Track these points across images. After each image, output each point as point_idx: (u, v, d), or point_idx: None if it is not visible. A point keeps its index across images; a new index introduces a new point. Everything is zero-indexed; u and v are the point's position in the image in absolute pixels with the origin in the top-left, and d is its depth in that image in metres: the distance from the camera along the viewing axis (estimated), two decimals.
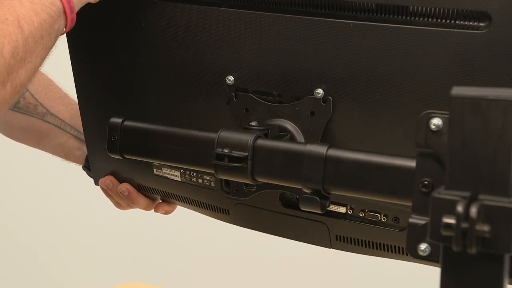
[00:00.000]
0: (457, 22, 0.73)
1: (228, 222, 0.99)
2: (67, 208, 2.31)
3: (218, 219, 1.01)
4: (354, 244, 0.90)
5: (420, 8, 0.74)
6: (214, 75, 0.88)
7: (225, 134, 0.78)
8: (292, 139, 0.83)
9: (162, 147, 0.84)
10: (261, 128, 0.81)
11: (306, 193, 0.75)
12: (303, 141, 0.83)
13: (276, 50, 0.83)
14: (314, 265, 2.11)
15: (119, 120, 0.87)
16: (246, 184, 0.86)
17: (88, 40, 0.99)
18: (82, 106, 1.04)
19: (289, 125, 0.84)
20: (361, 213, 0.87)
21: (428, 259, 0.63)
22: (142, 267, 2.29)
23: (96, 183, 1.12)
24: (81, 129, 1.10)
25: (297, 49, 0.82)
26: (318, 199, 0.74)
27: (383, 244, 0.87)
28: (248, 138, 0.77)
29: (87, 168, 1.18)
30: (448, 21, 0.73)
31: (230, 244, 2.16)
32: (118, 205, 1.14)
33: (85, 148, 1.12)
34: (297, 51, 0.82)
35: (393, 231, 0.85)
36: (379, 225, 0.86)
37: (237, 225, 0.99)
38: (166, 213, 1.14)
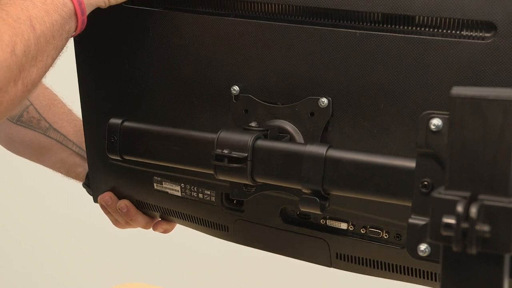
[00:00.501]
0: (462, 32, 0.73)
1: (227, 240, 0.98)
2: (67, 208, 2.31)
3: (217, 237, 1.00)
4: (355, 262, 0.88)
5: (426, 18, 0.75)
6: (219, 85, 0.88)
7: (224, 135, 0.78)
8: (292, 140, 0.83)
9: (162, 148, 0.84)
10: (260, 129, 0.81)
11: (306, 193, 0.75)
12: (302, 142, 0.83)
13: (282, 60, 0.84)
14: (314, 265, 2.11)
15: (119, 121, 0.87)
16: (245, 185, 0.85)
17: (95, 48, 0.98)
18: (85, 118, 1.04)
19: (288, 126, 0.84)
20: (363, 230, 0.85)
21: (428, 260, 0.63)
22: (142, 267, 2.29)
23: (95, 201, 1.11)
24: (83, 145, 1.09)
25: (303, 59, 0.82)
26: (317, 199, 0.74)
27: (385, 263, 0.85)
28: (247, 138, 0.77)
29: (87, 185, 1.16)
30: (454, 31, 0.74)
31: (230, 244, 2.16)
32: (116, 222, 1.13)
33: (86, 166, 1.11)
34: (303, 61, 0.82)
35: (395, 248, 0.84)
36: (380, 242, 0.85)
37: (236, 242, 0.97)
38: (165, 232, 1.13)
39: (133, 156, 0.87)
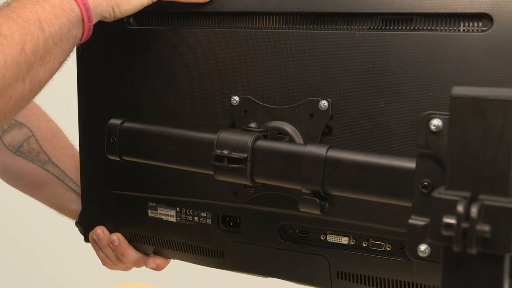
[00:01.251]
0: (460, 25, 0.75)
1: (222, 268, 0.96)
2: None
3: (212, 266, 0.98)
4: (357, 281, 0.85)
5: (423, 15, 0.76)
6: (219, 96, 0.88)
7: (224, 136, 0.78)
8: (291, 141, 0.82)
9: (162, 149, 0.83)
10: (260, 129, 0.80)
11: (305, 194, 0.74)
12: (302, 143, 0.82)
13: (281, 65, 0.84)
14: None
15: (118, 121, 0.86)
16: (245, 186, 0.85)
17: (96, 61, 0.99)
18: (82, 143, 1.03)
19: (288, 128, 0.84)
20: (364, 243, 0.84)
21: (428, 260, 0.63)
22: (142, 267, 2.29)
23: (86, 239, 1.09)
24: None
25: (303, 62, 0.83)
26: (317, 200, 0.74)
27: (388, 280, 0.83)
28: (247, 139, 0.77)
29: (80, 224, 1.13)
30: (451, 25, 0.75)
31: None
32: (105, 260, 1.10)
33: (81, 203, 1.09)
34: (303, 65, 0.83)
35: (399, 261, 0.82)
36: (383, 255, 0.83)
37: (231, 269, 0.95)
38: (158, 268, 1.10)
39: (133, 157, 0.87)
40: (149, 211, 0.98)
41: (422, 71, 0.76)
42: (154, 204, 0.98)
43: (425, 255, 0.63)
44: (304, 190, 0.74)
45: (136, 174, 0.97)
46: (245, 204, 0.89)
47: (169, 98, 0.92)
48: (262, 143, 0.77)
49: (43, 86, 0.79)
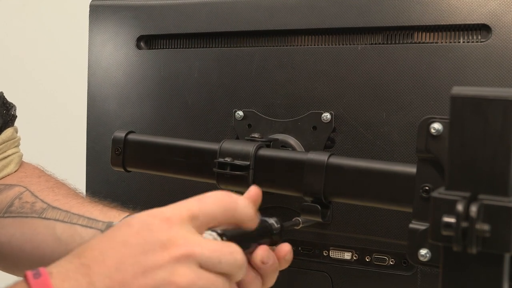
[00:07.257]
0: (459, 36, 0.76)
1: None
2: None
3: None
4: None
5: (424, 27, 0.78)
6: (223, 111, 0.90)
7: (227, 145, 0.79)
8: None
9: (165, 159, 0.84)
10: (263, 140, 0.81)
11: (307, 201, 0.74)
12: None
13: (285, 80, 0.85)
14: None
15: (123, 133, 0.87)
16: None
17: (106, 80, 1.00)
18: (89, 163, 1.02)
19: (291, 140, 0.84)
20: (367, 258, 0.84)
21: (428, 265, 0.63)
22: None
23: None
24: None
25: (306, 77, 0.84)
26: (319, 207, 0.74)
27: None
28: (250, 147, 0.78)
29: None
30: (452, 36, 0.77)
31: None
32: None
33: None
34: (307, 79, 0.84)
35: (402, 275, 0.81)
36: (387, 269, 0.82)
37: None
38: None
39: (137, 168, 0.87)
40: None
41: (423, 81, 0.77)
42: None
43: (425, 260, 0.63)
44: (305, 197, 0.74)
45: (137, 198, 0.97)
46: None
47: (174, 113, 0.93)
48: (264, 151, 0.78)
49: None
